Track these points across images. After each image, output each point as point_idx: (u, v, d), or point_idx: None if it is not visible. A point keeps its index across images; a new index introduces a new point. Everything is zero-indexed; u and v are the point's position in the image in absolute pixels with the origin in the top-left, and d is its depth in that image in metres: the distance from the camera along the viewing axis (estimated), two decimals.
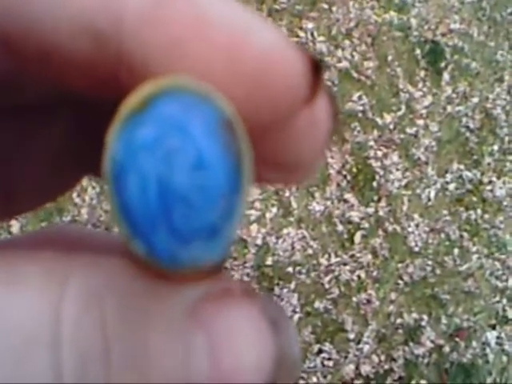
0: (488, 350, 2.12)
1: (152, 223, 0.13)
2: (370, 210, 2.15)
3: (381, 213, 2.16)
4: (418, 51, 2.44)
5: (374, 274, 2.09)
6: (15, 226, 1.84)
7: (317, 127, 0.18)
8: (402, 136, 2.28)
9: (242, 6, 0.15)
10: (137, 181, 0.12)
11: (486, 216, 2.29)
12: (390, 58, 2.38)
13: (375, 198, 2.18)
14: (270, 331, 0.15)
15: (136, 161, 0.12)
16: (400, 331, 2.06)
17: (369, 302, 2.05)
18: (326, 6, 2.37)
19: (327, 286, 2.03)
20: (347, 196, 2.14)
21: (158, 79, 0.13)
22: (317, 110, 0.18)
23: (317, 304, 2.01)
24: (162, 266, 0.13)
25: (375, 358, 2.01)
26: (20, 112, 0.21)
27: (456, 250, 2.20)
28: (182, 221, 0.13)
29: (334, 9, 2.38)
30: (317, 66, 0.16)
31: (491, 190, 2.33)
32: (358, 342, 2.01)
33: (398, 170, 2.23)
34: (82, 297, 0.14)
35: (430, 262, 2.16)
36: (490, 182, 2.34)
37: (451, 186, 2.28)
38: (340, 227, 2.10)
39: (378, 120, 2.28)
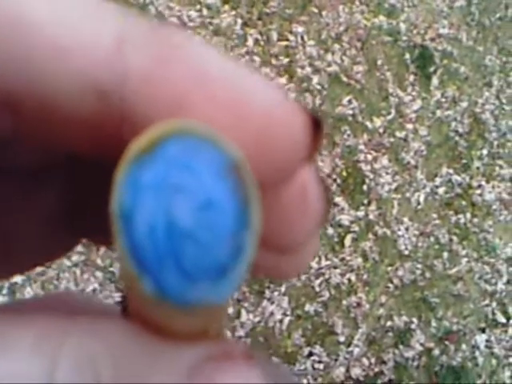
0: (477, 353, 2.14)
1: (161, 262, 0.13)
2: (360, 214, 2.17)
3: (371, 216, 2.18)
4: (407, 56, 2.46)
5: (365, 277, 2.10)
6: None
7: (308, 208, 0.19)
8: (391, 140, 2.30)
9: (243, 64, 0.16)
10: (145, 220, 0.13)
11: (476, 220, 2.31)
12: (379, 62, 2.40)
13: (365, 201, 2.19)
14: None
15: (144, 201, 0.13)
16: (390, 334, 2.07)
17: (359, 305, 2.07)
18: (315, 10, 2.39)
19: (318, 289, 2.04)
20: (337, 199, 2.15)
21: (166, 122, 0.14)
22: (310, 191, 0.19)
23: (307, 307, 2.02)
24: (169, 305, 0.13)
25: (365, 361, 2.02)
26: (16, 173, 0.21)
27: (445, 254, 2.23)
28: (191, 259, 0.13)
29: (323, 13, 2.39)
30: (317, 124, 0.16)
31: (480, 194, 2.36)
32: (349, 345, 2.02)
33: (387, 173, 2.25)
34: (77, 362, 0.14)
35: (419, 266, 2.18)
36: (480, 186, 2.37)
37: (440, 190, 2.31)
38: (330, 230, 2.11)
39: (368, 124, 2.30)
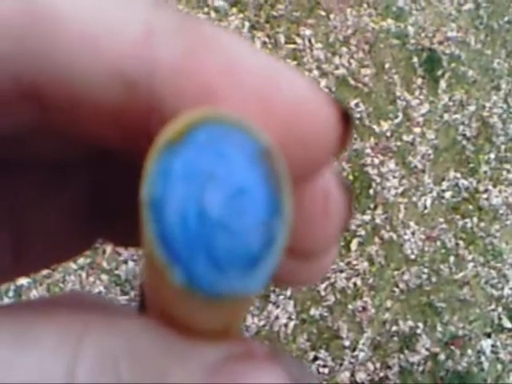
0: (483, 358, 2.14)
1: (191, 250, 0.13)
2: (367, 218, 2.18)
3: (377, 220, 2.19)
4: (415, 59, 2.47)
5: (370, 281, 2.11)
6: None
7: (331, 212, 0.18)
8: (398, 144, 2.31)
9: (272, 56, 0.16)
10: (176, 208, 0.13)
11: (482, 224, 2.32)
12: (387, 65, 2.41)
13: (372, 205, 2.20)
14: None
15: (175, 189, 0.13)
16: (395, 339, 2.08)
17: (364, 309, 2.07)
18: (323, 13, 2.40)
19: (323, 293, 2.05)
20: None
21: (195, 110, 0.14)
22: (332, 194, 0.18)
23: (312, 311, 2.03)
24: (198, 296, 0.13)
25: (370, 366, 2.03)
26: (37, 169, 0.21)
27: (452, 258, 2.23)
28: (222, 248, 0.13)
29: (331, 16, 2.41)
30: (347, 117, 0.16)
31: (487, 199, 2.36)
32: (354, 350, 2.03)
33: (394, 177, 2.26)
34: (97, 358, 0.14)
35: (425, 270, 2.18)
36: (486, 190, 2.37)
37: (447, 194, 2.31)
38: None
39: (375, 127, 2.31)
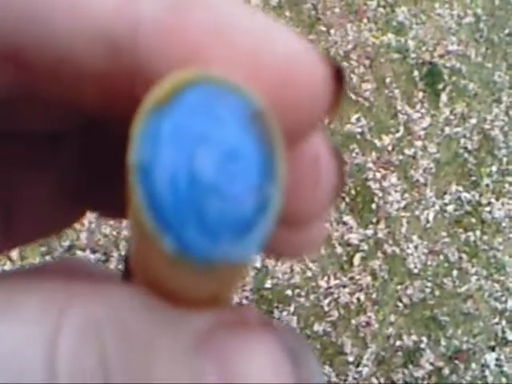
0: (487, 372, 2.15)
1: (182, 217, 0.12)
2: (369, 232, 2.20)
3: (380, 235, 2.20)
4: (415, 73, 2.49)
5: (374, 296, 2.13)
6: (15, 251, 1.85)
7: (321, 177, 0.18)
8: (400, 157, 2.33)
9: (263, 14, 0.15)
10: (165, 173, 0.12)
11: (485, 237, 2.33)
12: (388, 79, 2.44)
13: (374, 219, 2.22)
14: (289, 363, 0.15)
15: (164, 151, 0.12)
16: (399, 354, 2.09)
17: (368, 324, 2.09)
18: (324, 29, 2.43)
19: (326, 309, 2.07)
20: (346, 218, 2.18)
21: (185, 70, 0.13)
22: (323, 160, 0.18)
23: (316, 327, 2.04)
24: (189, 263, 0.13)
25: (375, 381, 2.04)
26: (24, 139, 0.21)
27: (455, 272, 2.24)
28: (215, 214, 0.12)
29: (332, 31, 2.43)
30: (339, 74, 0.16)
31: (490, 212, 2.38)
32: (358, 365, 2.04)
33: (396, 191, 2.28)
34: (81, 327, 0.13)
35: (429, 284, 2.20)
36: (489, 203, 2.39)
37: (450, 208, 2.33)
38: (339, 249, 2.14)
39: (377, 142, 2.33)
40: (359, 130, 2.33)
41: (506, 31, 2.68)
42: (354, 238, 2.17)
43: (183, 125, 0.12)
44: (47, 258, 1.85)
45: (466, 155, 2.43)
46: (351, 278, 2.13)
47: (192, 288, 0.14)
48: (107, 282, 0.15)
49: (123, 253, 1.88)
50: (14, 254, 1.86)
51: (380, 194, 2.26)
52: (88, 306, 0.14)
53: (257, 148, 0.13)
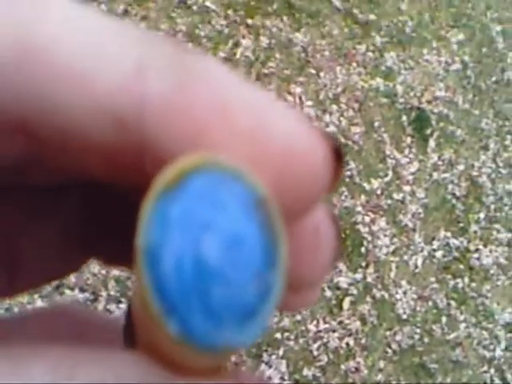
0: None
1: (188, 301, 0.12)
2: (359, 276, 2.19)
3: (369, 279, 2.20)
4: (404, 118, 2.51)
5: (363, 341, 2.11)
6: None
7: (321, 246, 0.19)
8: (389, 202, 2.34)
9: (264, 91, 0.16)
10: (172, 257, 0.12)
11: (473, 284, 2.34)
12: (376, 123, 2.46)
13: (363, 263, 2.22)
14: None
15: (171, 237, 0.12)
16: None
17: (357, 370, 2.07)
18: (313, 71, 2.44)
19: (316, 353, 2.05)
20: None
21: (191, 156, 0.14)
22: (322, 228, 0.19)
23: (305, 371, 2.02)
24: (194, 346, 0.13)
25: None
26: (29, 191, 0.21)
27: (444, 319, 2.24)
28: (219, 299, 0.12)
29: (321, 74, 2.45)
30: (339, 153, 0.16)
31: (478, 258, 2.39)
32: None
33: (385, 235, 2.29)
34: None
35: (418, 330, 2.19)
36: (477, 250, 2.40)
37: (438, 254, 2.34)
38: (328, 293, 2.13)
39: (366, 185, 2.34)
40: (348, 173, 2.34)
41: (493, 78, 2.72)
42: (343, 281, 2.16)
43: (190, 210, 0.13)
44: (35, 296, 1.81)
45: (454, 201, 2.45)
46: (340, 323, 2.12)
47: (193, 362, 0.14)
48: (109, 343, 0.15)
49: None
50: None
51: (369, 238, 2.26)
52: (93, 373, 0.14)
53: (260, 235, 0.13)
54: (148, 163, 0.15)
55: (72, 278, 1.89)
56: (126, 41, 0.15)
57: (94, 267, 1.92)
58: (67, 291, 1.87)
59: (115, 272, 1.90)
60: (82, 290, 1.89)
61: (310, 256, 0.19)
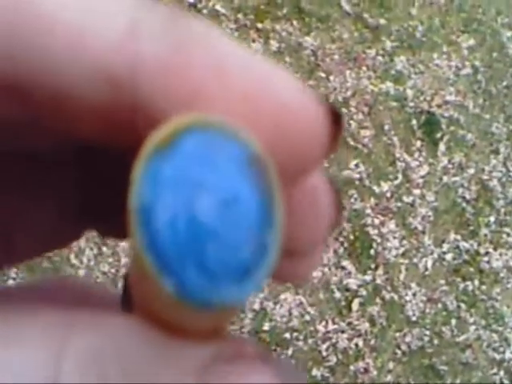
0: None
1: (182, 259, 0.12)
2: (368, 278, 2.19)
3: (378, 281, 2.20)
4: (414, 121, 2.51)
5: (372, 342, 2.11)
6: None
7: (319, 211, 0.19)
8: (398, 204, 2.34)
9: (261, 56, 0.15)
10: (166, 216, 0.12)
11: (483, 287, 2.33)
12: (386, 127, 2.45)
13: (372, 265, 2.22)
14: None
15: (164, 196, 0.12)
16: None
17: (366, 371, 2.07)
18: (323, 75, 2.45)
19: (324, 354, 2.05)
20: (344, 263, 2.18)
21: (184, 115, 0.13)
22: (320, 193, 0.19)
23: (314, 372, 2.03)
24: (190, 303, 0.13)
25: None
26: (27, 157, 0.21)
27: (453, 321, 2.24)
28: (214, 258, 0.13)
29: (331, 78, 2.46)
30: (336, 117, 0.16)
31: (488, 261, 2.38)
32: None
33: (395, 238, 2.28)
34: (82, 359, 0.14)
35: (427, 332, 2.19)
36: (487, 253, 2.39)
37: (448, 256, 2.33)
38: (337, 294, 2.13)
39: (375, 188, 2.34)
40: (358, 175, 2.34)
41: (504, 83, 2.72)
42: (352, 283, 2.17)
43: (182, 170, 0.13)
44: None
45: (464, 204, 2.44)
46: (349, 324, 2.12)
47: (191, 323, 0.15)
48: (107, 310, 0.15)
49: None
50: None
51: (378, 240, 2.26)
52: (90, 336, 0.14)
53: (255, 193, 0.13)
54: (141, 123, 0.15)
55: (82, 277, 1.90)
56: (121, 2, 0.15)
57: (104, 266, 1.93)
58: None
59: (124, 270, 1.91)
60: None
61: (307, 221, 0.19)
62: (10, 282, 1.84)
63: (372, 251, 2.24)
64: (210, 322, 0.15)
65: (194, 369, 0.14)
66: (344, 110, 2.41)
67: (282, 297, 2.07)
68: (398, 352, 2.14)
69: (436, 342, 2.20)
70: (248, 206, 0.13)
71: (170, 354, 0.14)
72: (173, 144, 0.13)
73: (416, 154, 2.46)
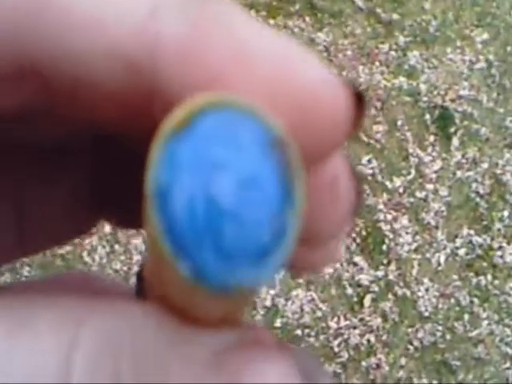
0: None
1: (199, 242, 0.12)
2: (380, 274, 2.19)
3: (390, 276, 2.19)
4: (427, 116, 2.50)
5: (384, 338, 2.11)
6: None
7: (339, 197, 0.18)
8: (411, 200, 2.33)
9: (284, 36, 0.15)
10: (183, 198, 0.12)
11: (496, 282, 2.31)
12: (399, 122, 2.45)
13: (385, 261, 2.21)
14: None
15: (182, 178, 0.12)
16: None
17: (378, 366, 2.07)
18: (336, 71, 2.45)
19: (336, 350, 2.05)
20: (357, 259, 2.18)
21: (204, 94, 0.13)
22: (341, 179, 0.18)
23: (326, 368, 2.02)
24: (205, 288, 0.13)
25: None
26: (41, 148, 0.21)
27: (466, 316, 2.23)
28: (231, 240, 0.12)
29: (344, 73, 2.45)
30: (360, 99, 0.16)
31: (501, 256, 2.36)
32: None
33: (407, 233, 2.27)
34: (96, 344, 0.14)
35: (440, 328, 2.18)
36: (500, 247, 2.37)
37: (461, 251, 2.32)
38: (349, 290, 2.13)
39: (388, 183, 2.33)
40: (370, 171, 2.34)
41: None
42: (364, 278, 2.16)
43: (201, 150, 0.12)
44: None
45: (477, 199, 2.43)
46: (361, 320, 2.12)
47: (208, 309, 0.15)
48: (121, 299, 0.15)
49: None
50: None
51: (391, 236, 2.25)
52: (103, 323, 0.14)
53: (276, 175, 0.13)
54: (158, 110, 0.14)
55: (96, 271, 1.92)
56: None
57: (116, 264, 1.94)
58: None
59: (136, 268, 1.93)
60: None
61: (327, 207, 0.18)
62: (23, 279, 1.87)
63: (384, 247, 2.24)
64: (224, 308, 0.15)
65: (207, 354, 0.14)
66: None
67: (294, 293, 2.07)
68: (411, 348, 2.13)
69: (448, 337, 2.19)
70: (268, 187, 0.13)
71: (183, 339, 0.14)
72: (189, 125, 0.13)
73: (429, 149, 2.45)
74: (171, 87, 0.14)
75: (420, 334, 2.16)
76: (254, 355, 0.14)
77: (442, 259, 2.29)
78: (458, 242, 2.35)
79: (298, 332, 2.05)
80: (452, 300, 2.25)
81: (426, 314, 2.20)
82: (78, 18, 0.14)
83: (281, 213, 0.13)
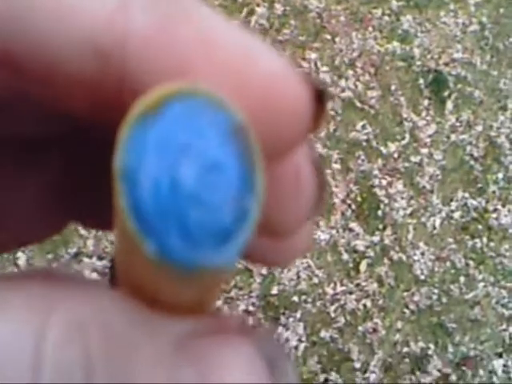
0: (495, 379, 2.14)
1: (164, 222, 0.13)
2: (376, 239, 2.20)
3: (386, 241, 2.20)
4: (421, 80, 2.50)
5: (380, 302, 2.12)
6: (22, 258, 1.87)
7: (302, 191, 0.19)
8: (406, 165, 2.34)
9: (248, 32, 0.16)
10: (148, 180, 0.13)
11: (492, 244, 2.33)
12: (393, 87, 2.44)
13: (380, 226, 2.22)
14: (266, 371, 0.15)
15: (148, 161, 0.13)
16: (406, 360, 2.09)
17: (375, 330, 2.08)
18: (328, 37, 2.44)
19: (333, 315, 2.07)
20: (352, 225, 2.18)
21: (171, 82, 0.14)
22: (303, 173, 0.19)
23: (323, 333, 2.04)
24: (170, 268, 0.13)
25: None
26: (10, 144, 0.20)
27: (462, 278, 2.24)
28: (195, 221, 0.13)
29: (337, 39, 2.44)
30: (321, 95, 0.16)
31: (496, 218, 2.37)
32: (365, 372, 2.04)
33: (402, 198, 2.28)
34: (66, 326, 0.14)
35: (435, 291, 2.20)
36: (495, 209, 2.38)
37: (456, 215, 2.33)
38: (345, 256, 2.14)
39: (382, 149, 2.34)
40: (365, 137, 2.34)
41: (511, 39, 2.68)
42: (360, 244, 2.17)
43: (167, 135, 0.13)
44: (54, 265, 1.85)
45: (472, 162, 2.43)
46: (357, 285, 2.13)
47: (173, 294, 0.15)
48: (90, 287, 0.16)
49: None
50: (21, 261, 1.87)
51: (386, 201, 2.26)
52: (74, 305, 0.14)
53: (237, 161, 0.13)
54: (128, 98, 0.15)
55: (90, 246, 1.93)
56: None
57: (112, 235, 1.95)
58: (85, 259, 1.91)
59: None
60: (100, 258, 1.93)
61: (289, 200, 0.19)
62: (19, 254, 1.87)
63: (380, 212, 2.25)
64: (192, 291, 0.15)
65: (173, 339, 0.14)
66: (350, 72, 2.41)
67: None
68: (407, 311, 2.14)
69: (444, 300, 2.20)
70: (230, 172, 0.13)
71: (150, 324, 0.14)
72: (158, 110, 0.13)
73: (423, 113, 2.44)
74: (140, 75, 0.15)
75: (416, 298, 2.17)
76: (214, 342, 0.15)
77: (438, 223, 2.30)
78: (453, 205, 2.35)
79: (295, 299, 2.06)
80: (448, 263, 2.26)
81: (422, 277, 2.21)
82: (49, 6, 0.14)
83: (242, 196, 0.13)
